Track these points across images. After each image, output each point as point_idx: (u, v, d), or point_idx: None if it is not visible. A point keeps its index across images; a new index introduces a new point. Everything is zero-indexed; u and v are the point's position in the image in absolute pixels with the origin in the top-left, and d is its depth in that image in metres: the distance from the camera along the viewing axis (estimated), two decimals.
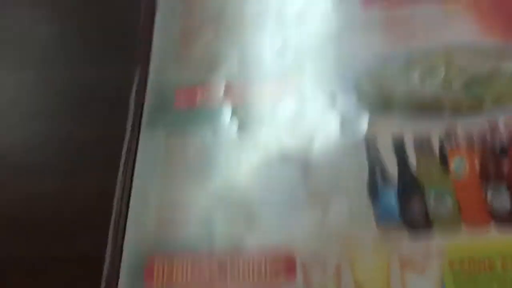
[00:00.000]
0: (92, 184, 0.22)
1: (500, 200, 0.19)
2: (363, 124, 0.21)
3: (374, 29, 0.23)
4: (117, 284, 0.18)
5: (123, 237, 0.19)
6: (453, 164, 0.20)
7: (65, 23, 0.28)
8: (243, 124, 0.22)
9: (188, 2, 0.26)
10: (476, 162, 0.20)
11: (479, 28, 0.22)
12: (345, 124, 0.21)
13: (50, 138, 0.25)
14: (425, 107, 0.21)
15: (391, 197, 0.20)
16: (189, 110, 0.22)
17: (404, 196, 0.20)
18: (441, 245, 0.18)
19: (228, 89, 0.23)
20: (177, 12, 0.25)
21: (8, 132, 0.26)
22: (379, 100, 0.22)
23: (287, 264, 0.18)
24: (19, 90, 0.27)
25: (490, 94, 0.21)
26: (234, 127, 0.22)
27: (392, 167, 0.20)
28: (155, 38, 0.25)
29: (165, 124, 0.22)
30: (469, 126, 0.20)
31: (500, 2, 0.23)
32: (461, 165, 0.20)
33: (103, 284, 0.19)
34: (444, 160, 0.20)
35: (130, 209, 0.20)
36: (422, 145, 0.20)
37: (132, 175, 0.21)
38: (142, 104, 0.23)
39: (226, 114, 0.22)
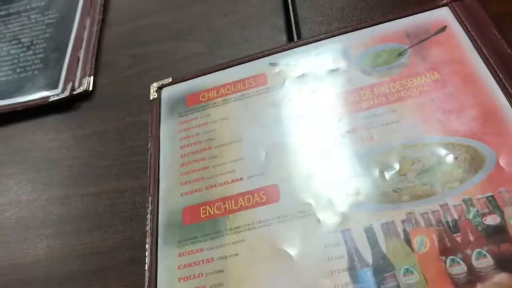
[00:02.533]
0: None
1: (457, 267, 0.23)
2: (339, 220, 0.26)
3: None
4: None
5: None
6: (416, 242, 0.25)
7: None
8: (237, 228, 0.27)
9: (185, 135, 0.32)
10: (434, 238, 0.24)
11: (424, 127, 0.28)
12: (324, 223, 0.26)
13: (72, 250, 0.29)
14: (387, 198, 0.26)
15: (368, 277, 0.24)
16: (194, 225, 0.28)
17: (378, 275, 0.24)
18: None
19: (224, 203, 0.28)
20: (177, 148, 0.32)
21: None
22: (350, 197, 0.27)
23: None
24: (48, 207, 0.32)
25: (438, 180, 0.27)
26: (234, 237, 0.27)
27: (366, 252, 0.25)
28: (162, 171, 0.31)
29: (177, 241, 0.28)
30: (425, 209, 0.26)
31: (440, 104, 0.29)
32: (422, 242, 0.25)
33: None
34: (408, 240, 0.25)
35: None
36: (389, 230, 0.25)
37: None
38: (157, 228, 0.28)
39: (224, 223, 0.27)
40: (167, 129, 0.33)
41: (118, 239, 0.29)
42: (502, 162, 0.25)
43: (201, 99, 0.34)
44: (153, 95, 0.35)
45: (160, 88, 0.35)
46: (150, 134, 0.33)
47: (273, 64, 0.34)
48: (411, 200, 0.26)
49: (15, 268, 0.29)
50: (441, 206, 0.25)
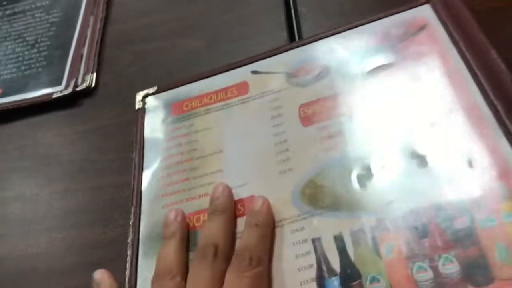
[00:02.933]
0: None
1: (423, 274, 0.23)
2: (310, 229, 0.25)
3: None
4: None
5: None
6: (384, 249, 0.24)
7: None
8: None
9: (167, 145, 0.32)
10: (402, 244, 0.23)
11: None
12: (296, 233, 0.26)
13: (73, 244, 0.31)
14: (357, 204, 0.25)
15: (335, 286, 0.24)
16: None
17: (345, 284, 0.23)
18: None
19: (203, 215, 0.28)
20: (160, 157, 0.32)
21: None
22: (323, 204, 0.26)
23: None
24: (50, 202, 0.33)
25: None
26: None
27: (335, 261, 0.24)
28: (144, 185, 0.31)
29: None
30: (395, 215, 0.24)
31: None
32: (390, 249, 0.24)
33: None
34: (376, 247, 0.24)
35: None
36: (358, 237, 0.24)
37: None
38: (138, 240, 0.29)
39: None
40: (151, 139, 0.33)
41: (118, 233, 0.30)
42: (475, 162, 0.25)
43: (184, 108, 0.33)
44: (138, 104, 0.35)
45: (145, 97, 0.35)
46: (135, 145, 0.32)
47: (255, 72, 0.33)
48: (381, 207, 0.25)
49: (17, 260, 0.31)
50: (412, 211, 0.24)
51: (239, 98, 0.32)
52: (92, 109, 0.38)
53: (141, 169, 0.31)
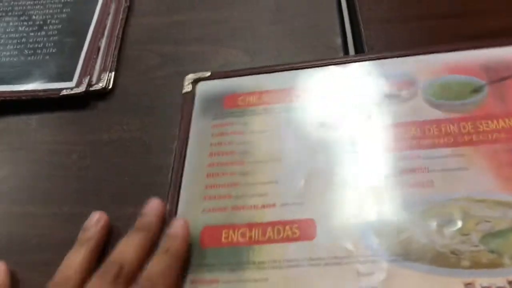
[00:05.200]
0: None
1: None
2: (383, 277, 0.23)
3: None
4: None
5: None
6: None
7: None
8: (261, 264, 0.24)
9: (216, 141, 0.29)
10: None
11: (497, 181, 0.26)
12: (364, 277, 0.23)
13: None
14: (443, 260, 0.23)
15: None
16: (215, 249, 0.25)
17: None
18: None
19: (251, 230, 0.26)
20: (205, 154, 0.29)
21: None
22: (399, 250, 0.24)
23: None
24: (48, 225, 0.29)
25: (510, 249, 0.24)
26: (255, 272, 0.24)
27: None
28: (185, 178, 0.28)
29: (193, 265, 0.25)
30: (488, 282, 0.23)
31: None
32: None
33: None
34: None
35: None
36: None
37: None
38: None
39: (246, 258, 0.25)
40: (197, 129, 0.30)
41: None
42: None
43: (240, 102, 0.31)
44: (187, 87, 0.32)
45: (196, 82, 0.32)
46: (178, 131, 0.30)
47: (326, 77, 0.31)
48: (472, 268, 0.23)
49: None
50: (509, 282, 0.22)
51: (306, 102, 0.30)
52: (108, 116, 0.33)
53: (182, 161, 0.29)
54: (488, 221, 0.24)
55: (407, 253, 0.24)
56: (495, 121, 0.27)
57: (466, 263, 0.23)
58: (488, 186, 0.25)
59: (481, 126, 0.27)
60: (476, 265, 0.23)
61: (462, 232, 0.24)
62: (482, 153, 0.26)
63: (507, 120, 0.27)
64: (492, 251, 0.24)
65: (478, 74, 0.29)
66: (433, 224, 0.24)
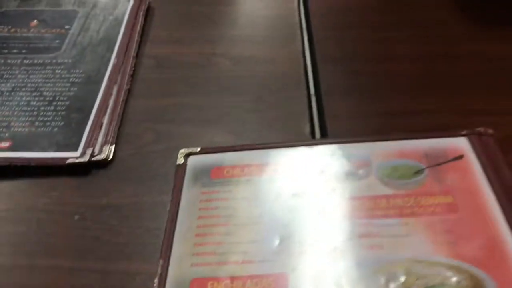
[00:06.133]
0: None
1: None
2: None
3: None
4: None
5: None
6: None
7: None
8: None
9: (204, 206, 0.35)
10: None
11: (434, 245, 0.32)
12: None
13: None
14: None
15: None
16: None
17: None
18: None
19: (232, 283, 0.30)
20: (194, 218, 0.34)
21: None
22: None
23: None
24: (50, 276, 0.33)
25: None
26: None
27: None
28: (176, 238, 0.33)
29: None
30: None
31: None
32: None
33: None
34: None
35: None
36: None
37: None
38: None
39: None
40: (188, 196, 0.36)
41: None
42: None
43: (226, 174, 0.37)
44: (180, 160, 0.38)
45: (187, 155, 0.38)
46: (171, 197, 0.35)
47: (298, 156, 0.38)
48: None
49: None
50: None
51: (281, 175, 0.36)
52: (107, 183, 0.38)
53: (174, 222, 0.34)
54: (425, 277, 0.30)
55: None
56: (432, 197, 0.34)
57: None
58: (426, 250, 0.31)
59: (421, 201, 0.34)
60: None
61: (405, 286, 0.30)
62: (422, 223, 0.32)
63: (442, 197, 0.34)
64: None
65: (420, 159, 0.36)
66: (382, 279, 0.30)
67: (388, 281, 0.30)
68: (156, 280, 0.31)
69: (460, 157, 0.36)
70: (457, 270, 0.30)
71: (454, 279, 0.30)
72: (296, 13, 0.55)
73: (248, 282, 0.30)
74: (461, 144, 0.37)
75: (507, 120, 0.39)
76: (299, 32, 0.52)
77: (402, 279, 0.30)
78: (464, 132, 0.37)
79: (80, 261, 0.34)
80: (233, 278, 0.30)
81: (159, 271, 0.31)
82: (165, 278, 0.31)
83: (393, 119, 0.42)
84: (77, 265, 0.33)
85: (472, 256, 0.30)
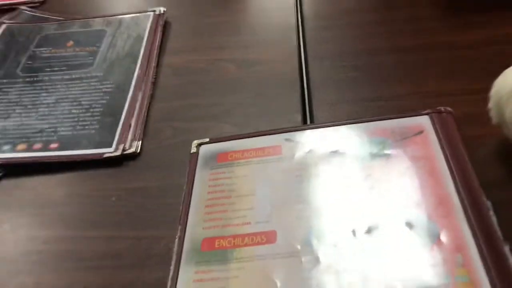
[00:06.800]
0: None
1: None
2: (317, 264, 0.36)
3: None
4: None
5: None
6: None
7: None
8: (243, 260, 0.37)
9: (212, 183, 0.44)
10: None
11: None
12: (305, 264, 0.36)
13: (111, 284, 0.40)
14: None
15: None
16: (210, 252, 0.39)
17: None
18: None
19: (234, 239, 0.39)
20: (205, 193, 0.43)
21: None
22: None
23: None
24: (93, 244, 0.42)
25: None
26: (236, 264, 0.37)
27: None
28: (191, 209, 0.42)
29: (195, 261, 0.38)
30: None
31: None
32: None
33: None
34: None
35: None
36: None
37: None
38: (182, 250, 0.39)
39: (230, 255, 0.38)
40: (200, 177, 0.45)
41: (152, 280, 0.39)
42: (442, 237, 0.36)
43: (229, 158, 0.45)
44: (193, 149, 0.47)
45: (199, 145, 0.48)
46: (186, 179, 0.44)
47: (288, 140, 0.46)
48: None
49: None
50: None
51: (273, 157, 0.45)
52: (136, 171, 0.48)
53: (189, 197, 0.43)
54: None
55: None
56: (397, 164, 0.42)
57: None
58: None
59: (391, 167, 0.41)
60: None
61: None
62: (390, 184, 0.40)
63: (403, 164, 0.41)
64: None
65: (388, 135, 0.44)
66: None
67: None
68: (176, 241, 0.40)
69: (420, 132, 0.43)
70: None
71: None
72: (293, 18, 0.63)
73: (246, 239, 0.39)
74: (423, 121, 0.44)
75: (465, 99, 0.46)
76: (295, 34, 0.61)
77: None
78: (426, 111, 0.45)
79: (117, 231, 0.43)
80: (234, 236, 0.39)
81: (178, 234, 0.40)
82: (183, 239, 0.40)
83: (369, 105, 0.49)
84: (115, 234, 0.43)
85: (425, 206, 0.38)
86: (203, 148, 0.47)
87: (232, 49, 0.60)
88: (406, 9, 0.61)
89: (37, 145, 0.51)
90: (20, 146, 0.51)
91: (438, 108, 0.45)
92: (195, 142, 0.48)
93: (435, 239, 0.36)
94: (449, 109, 0.44)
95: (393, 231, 0.37)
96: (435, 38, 0.55)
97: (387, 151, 0.43)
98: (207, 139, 0.48)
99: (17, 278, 0.41)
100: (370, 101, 0.50)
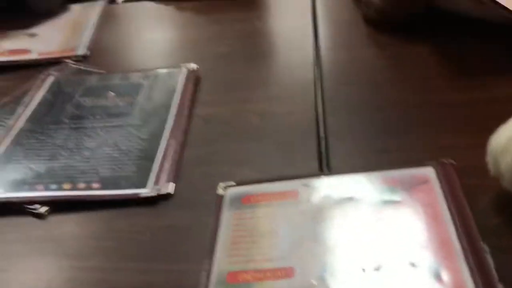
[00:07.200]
0: None
1: None
2: None
3: None
4: None
5: None
6: None
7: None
8: None
9: (236, 222, 0.49)
10: None
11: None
12: None
13: None
14: None
15: None
16: (234, 284, 0.43)
17: None
18: None
19: (256, 273, 0.44)
20: (230, 231, 0.48)
21: None
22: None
23: None
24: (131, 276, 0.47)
25: None
26: None
27: None
28: (217, 245, 0.47)
29: None
30: None
31: None
32: None
33: None
34: None
35: None
36: None
37: None
38: (208, 282, 0.44)
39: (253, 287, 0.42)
40: (225, 216, 0.50)
41: None
42: (443, 277, 0.40)
43: (252, 200, 0.51)
44: (220, 191, 0.53)
45: (226, 188, 0.53)
46: (214, 218, 0.49)
47: (305, 185, 0.51)
48: None
49: None
50: None
51: (292, 200, 0.50)
52: (169, 210, 0.53)
53: (215, 235, 0.48)
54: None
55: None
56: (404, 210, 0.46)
57: None
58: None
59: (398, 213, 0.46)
60: None
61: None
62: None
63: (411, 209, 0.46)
64: None
65: (396, 185, 0.49)
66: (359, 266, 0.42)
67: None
68: (204, 273, 0.44)
69: (425, 181, 0.48)
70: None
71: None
72: (311, 74, 0.69)
73: (267, 273, 0.43)
74: (428, 172, 0.49)
75: (467, 153, 0.51)
76: (313, 89, 0.67)
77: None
78: (431, 163, 0.49)
79: (150, 264, 0.48)
80: (256, 271, 0.44)
81: (205, 267, 0.45)
82: (210, 272, 0.45)
83: (380, 155, 0.55)
84: (148, 267, 0.48)
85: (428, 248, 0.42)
86: (229, 191, 0.53)
87: (256, 101, 0.67)
88: (417, 69, 0.67)
89: (81, 185, 0.57)
90: (66, 185, 0.57)
91: (441, 160, 0.50)
92: (222, 184, 0.53)
93: (437, 278, 0.40)
94: (451, 161, 0.49)
95: (399, 269, 0.41)
96: (441, 96, 0.61)
97: (396, 198, 0.47)
98: (233, 183, 0.53)
99: None
100: (381, 152, 0.55)
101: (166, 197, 0.55)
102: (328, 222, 0.47)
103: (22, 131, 0.67)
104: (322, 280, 0.42)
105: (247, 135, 0.61)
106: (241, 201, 0.51)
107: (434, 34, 0.72)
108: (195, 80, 0.72)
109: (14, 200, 0.57)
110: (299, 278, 0.42)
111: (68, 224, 0.54)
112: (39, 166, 0.60)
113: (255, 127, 0.62)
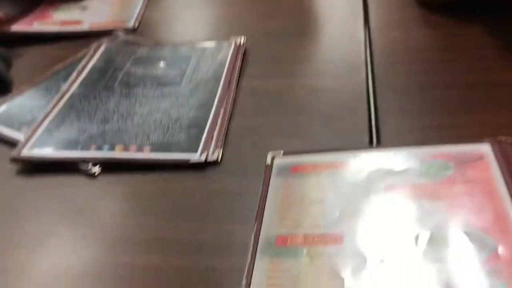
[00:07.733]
0: None
1: None
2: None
3: None
4: None
5: None
6: None
7: None
8: (313, 257, 0.42)
9: (285, 189, 0.49)
10: None
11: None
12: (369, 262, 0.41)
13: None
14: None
15: None
16: (283, 247, 0.44)
17: None
18: None
19: (305, 238, 0.44)
20: (278, 198, 0.49)
21: None
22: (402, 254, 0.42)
23: None
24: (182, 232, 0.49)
25: None
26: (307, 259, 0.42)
27: None
28: (266, 210, 0.48)
29: (269, 254, 0.43)
30: None
31: None
32: None
33: None
34: None
35: None
36: None
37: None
38: (257, 243, 0.44)
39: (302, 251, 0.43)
40: (274, 184, 0.50)
41: (230, 266, 0.44)
42: (499, 250, 0.39)
43: (301, 170, 0.51)
44: (268, 161, 0.53)
45: (273, 158, 0.54)
46: (262, 186, 0.50)
47: (355, 157, 0.51)
48: None
49: None
50: None
51: (341, 171, 0.50)
52: (217, 176, 0.54)
53: (264, 202, 0.49)
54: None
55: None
56: (457, 186, 0.45)
57: None
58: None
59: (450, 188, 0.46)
60: None
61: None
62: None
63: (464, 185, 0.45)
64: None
65: (450, 159, 0.48)
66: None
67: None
68: (252, 235, 0.45)
69: (481, 158, 0.47)
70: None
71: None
72: (362, 53, 0.69)
73: (316, 238, 0.44)
74: (484, 149, 0.48)
75: None
76: (364, 67, 0.66)
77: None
78: (487, 139, 0.48)
79: (199, 223, 0.49)
80: (305, 236, 0.44)
81: (254, 230, 0.46)
82: (259, 235, 0.46)
83: (432, 132, 0.54)
84: (198, 226, 0.49)
85: (482, 225, 0.41)
86: (277, 160, 0.53)
87: (304, 76, 0.67)
88: (469, 49, 0.65)
89: (133, 147, 0.59)
90: (118, 147, 0.59)
91: (498, 137, 0.48)
92: (270, 154, 0.53)
93: (492, 251, 0.39)
94: (509, 139, 0.48)
95: (452, 241, 0.41)
96: (495, 76, 0.59)
97: (448, 173, 0.47)
98: (281, 152, 0.54)
99: (120, 258, 0.48)
100: (434, 128, 0.54)
101: (214, 163, 0.56)
102: (378, 193, 0.47)
103: (75, 95, 0.69)
104: (371, 248, 0.42)
105: (294, 108, 0.62)
106: (290, 170, 0.51)
107: (487, 14, 0.70)
108: (243, 54, 0.73)
109: (67, 159, 0.59)
110: (348, 245, 0.43)
111: (120, 185, 0.56)
112: (92, 128, 0.63)
113: (303, 101, 0.62)
